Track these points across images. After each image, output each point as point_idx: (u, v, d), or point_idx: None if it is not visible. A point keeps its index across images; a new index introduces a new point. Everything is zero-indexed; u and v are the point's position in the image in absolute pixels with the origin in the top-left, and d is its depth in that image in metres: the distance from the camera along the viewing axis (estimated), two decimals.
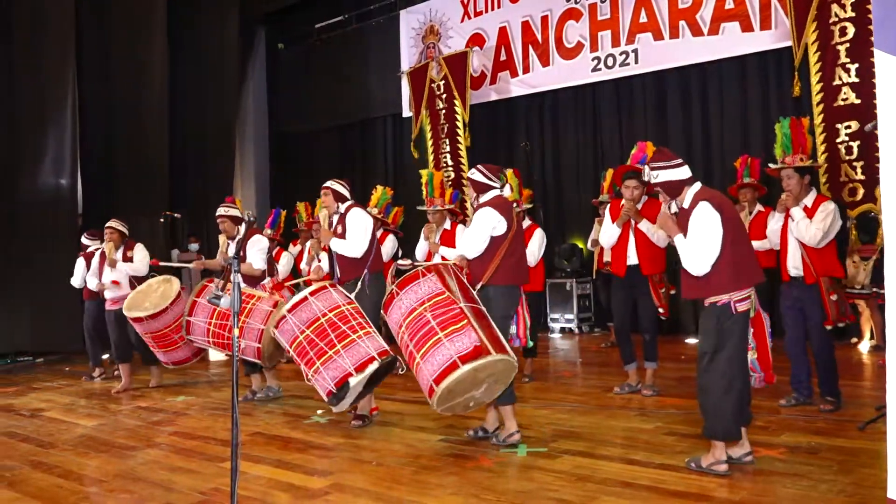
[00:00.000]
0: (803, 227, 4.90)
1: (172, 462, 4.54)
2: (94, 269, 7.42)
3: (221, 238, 6.49)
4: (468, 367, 3.97)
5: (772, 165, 5.22)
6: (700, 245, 3.67)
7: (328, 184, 5.59)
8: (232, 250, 6.37)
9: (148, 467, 4.45)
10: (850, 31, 7.37)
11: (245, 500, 3.68)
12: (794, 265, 5.03)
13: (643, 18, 9.24)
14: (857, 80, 7.35)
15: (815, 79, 7.65)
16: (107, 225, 7.31)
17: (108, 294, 7.26)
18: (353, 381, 4.70)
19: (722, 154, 8.85)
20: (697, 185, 3.86)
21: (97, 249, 7.55)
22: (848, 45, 7.39)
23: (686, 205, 3.81)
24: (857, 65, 7.34)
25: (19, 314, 9.32)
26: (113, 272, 7.19)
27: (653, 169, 3.82)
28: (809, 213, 4.93)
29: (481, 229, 4.53)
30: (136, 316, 6.59)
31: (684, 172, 3.84)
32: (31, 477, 4.36)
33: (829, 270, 4.96)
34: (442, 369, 4.02)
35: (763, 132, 8.61)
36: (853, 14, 7.34)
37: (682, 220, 3.81)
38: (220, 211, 6.43)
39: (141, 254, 7.27)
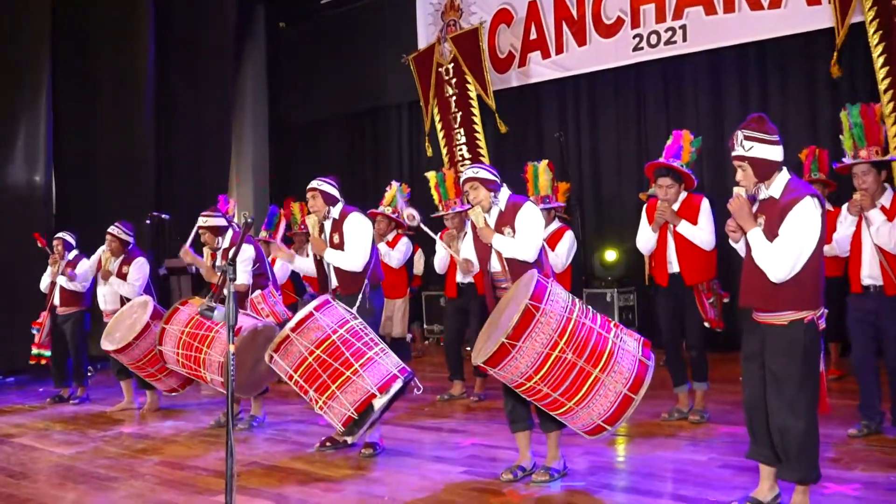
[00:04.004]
0: (886, 232, 4.81)
1: (158, 496, 4.56)
2: (84, 274, 7.50)
3: (205, 250, 6.52)
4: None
5: (845, 160, 5.07)
6: (795, 247, 3.46)
7: (315, 184, 5.40)
8: (219, 262, 6.40)
9: (131, 501, 4.48)
10: None
11: None
12: (871, 274, 4.94)
13: None
14: None
15: (878, 62, 7.51)
16: (108, 230, 7.30)
17: (101, 306, 7.37)
18: (377, 402, 4.72)
19: (786, 145, 8.74)
20: (786, 173, 3.68)
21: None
22: None
23: (776, 194, 3.61)
24: None
25: None
26: (105, 285, 7.26)
27: (747, 138, 3.61)
28: (889, 214, 4.85)
29: (539, 229, 4.60)
30: (107, 348, 6.62)
31: (779, 153, 3.66)
32: None
33: None
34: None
35: (832, 121, 8.49)
36: None
37: (769, 212, 3.61)
38: (201, 222, 6.47)
39: (137, 274, 7.18)
